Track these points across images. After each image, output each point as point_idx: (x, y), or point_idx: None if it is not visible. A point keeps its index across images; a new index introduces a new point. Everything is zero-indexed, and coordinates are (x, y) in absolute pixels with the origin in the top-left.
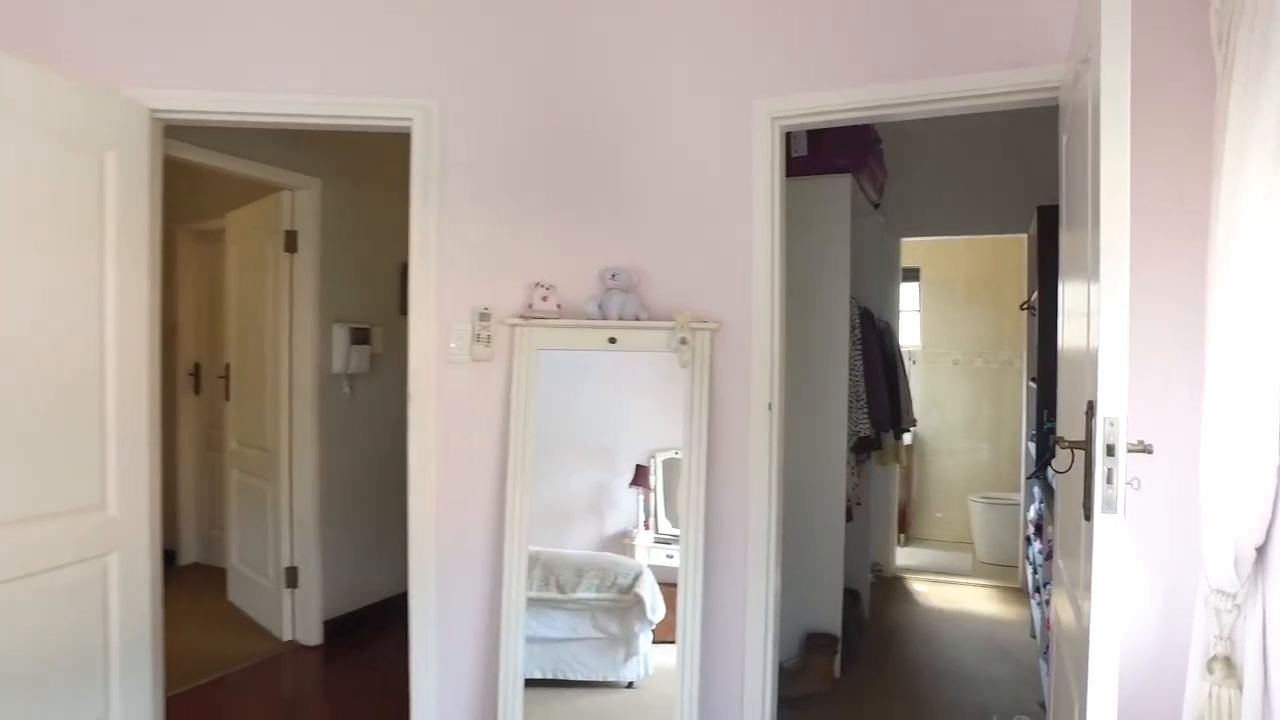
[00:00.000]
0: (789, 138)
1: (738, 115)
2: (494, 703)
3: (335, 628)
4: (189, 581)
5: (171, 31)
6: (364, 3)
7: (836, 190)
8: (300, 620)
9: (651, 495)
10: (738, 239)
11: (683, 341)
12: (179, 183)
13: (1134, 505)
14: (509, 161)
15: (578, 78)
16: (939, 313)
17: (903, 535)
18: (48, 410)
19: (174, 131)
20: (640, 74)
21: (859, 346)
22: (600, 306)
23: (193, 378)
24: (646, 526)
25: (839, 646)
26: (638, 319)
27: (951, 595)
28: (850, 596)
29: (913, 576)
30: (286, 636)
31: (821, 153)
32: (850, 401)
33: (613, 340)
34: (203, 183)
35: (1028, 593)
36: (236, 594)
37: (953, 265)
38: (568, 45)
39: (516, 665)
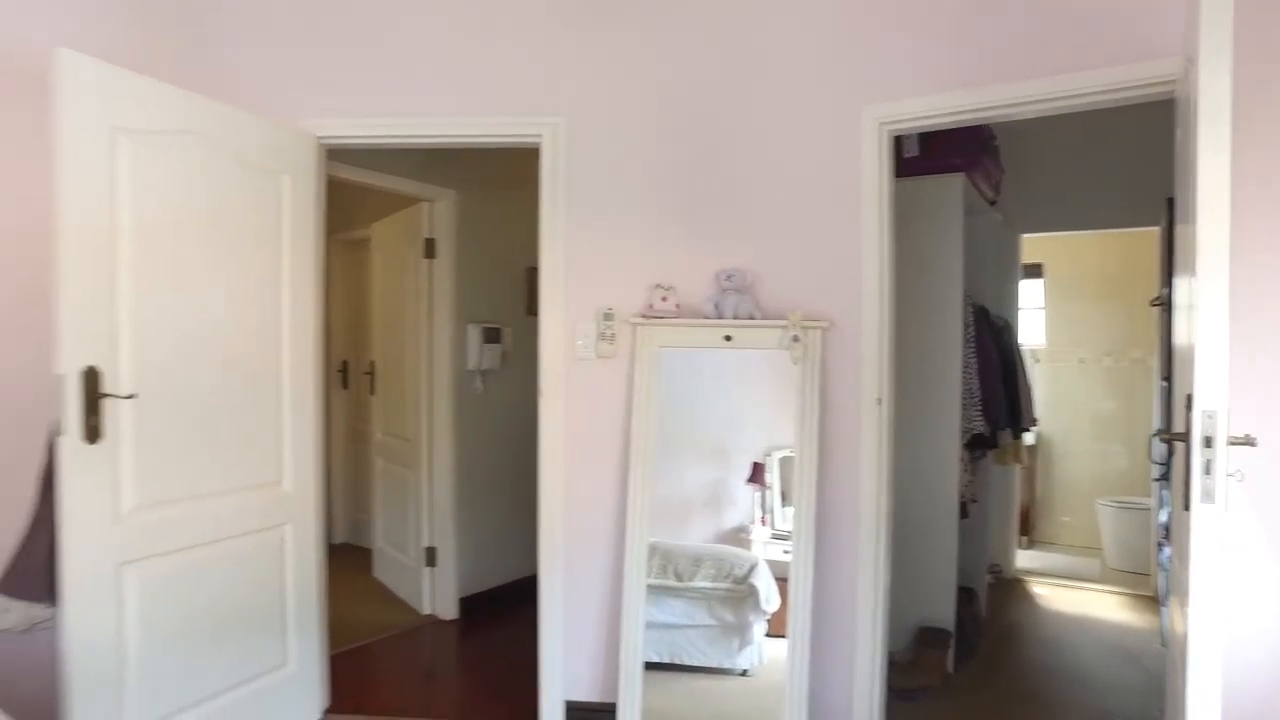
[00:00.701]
0: (899, 140)
1: (846, 121)
2: (615, 681)
3: (469, 604)
4: (339, 559)
5: (332, 70)
6: (495, 32)
7: (949, 190)
8: (438, 596)
9: (768, 492)
10: (848, 241)
11: (795, 339)
12: (331, 197)
13: (1250, 506)
14: (630, 171)
15: (692, 91)
16: (1064, 310)
17: (1025, 538)
18: (242, 398)
19: (331, 154)
20: (751, 85)
21: (972, 344)
22: (716, 306)
23: (341, 374)
24: (763, 523)
25: (951, 642)
26: (752, 318)
27: (1076, 600)
28: (965, 594)
29: (1035, 580)
30: (426, 610)
31: (934, 153)
32: (963, 399)
33: (728, 338)
34: (351, 197)
35: (1160, 600)
36: (381, 571)
37: (1079, 261)
38: (682, 62)
39: (637, 647)
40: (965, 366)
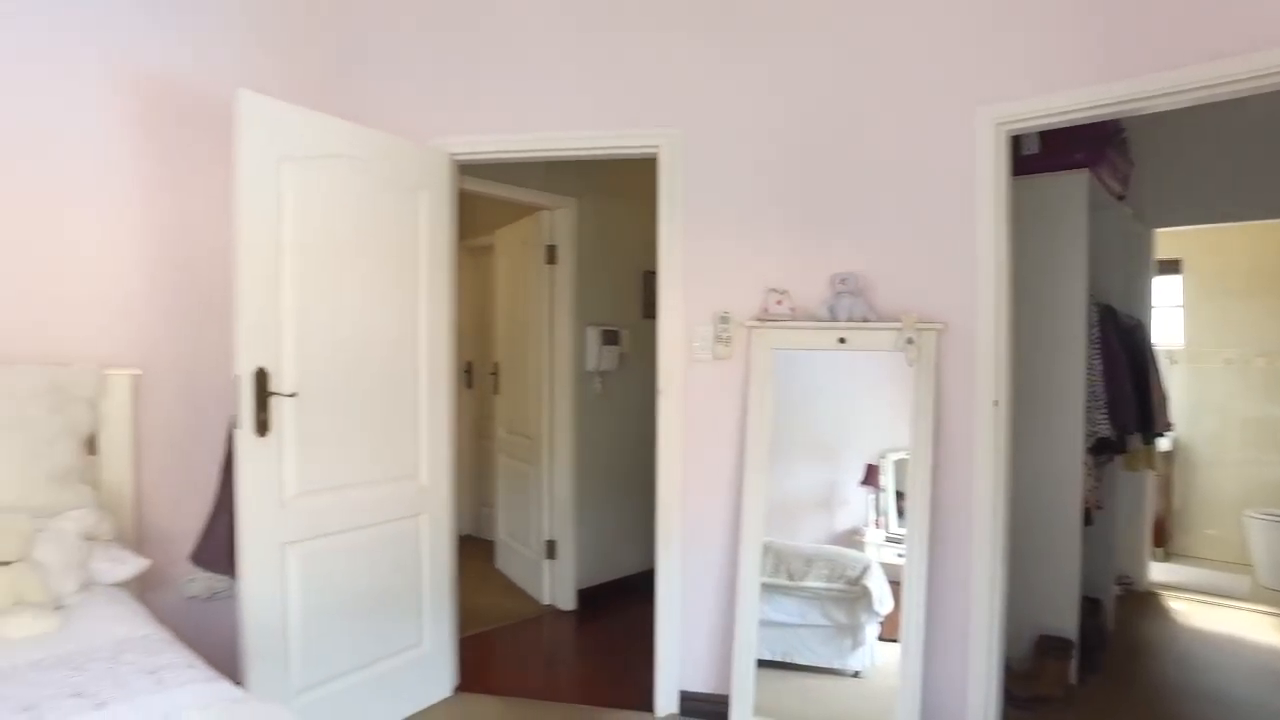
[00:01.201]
0: (1018, 138)
1: (961, 122)
2: (728, 674)
3: (587, 596)
4: (463, 550)
5: (463, 92)
6: (614, 50)
7: (1071, 186)
8: (557, 587)
9: (881, 494)
10: (963, 242)
11: (909, 342)
12: (459, 206)
13: None
14: (745, 177)
15: (804, 97)
16: (1206, 308)
17: (1161, 549)
18: (384, 397)
19: (461, 168)
20: (863, 89)
21: (1097, 345)
22: (830, 309)
23: (466, 374)
24: (877, 525)
25: (1074, 652)
26: (866, 321)
27: (1220, 618)
28: (1090, 604)
29: (1172, 594)
30: (545, 601)
31: (1055, 149)
32: (1087, 401)
33: (842, 340)
34: (477, 206)
35: None
36: (503, 562)
37: (1224, 255)
38: (794, 70)
39: (750, 644)
40: (1089, 368)
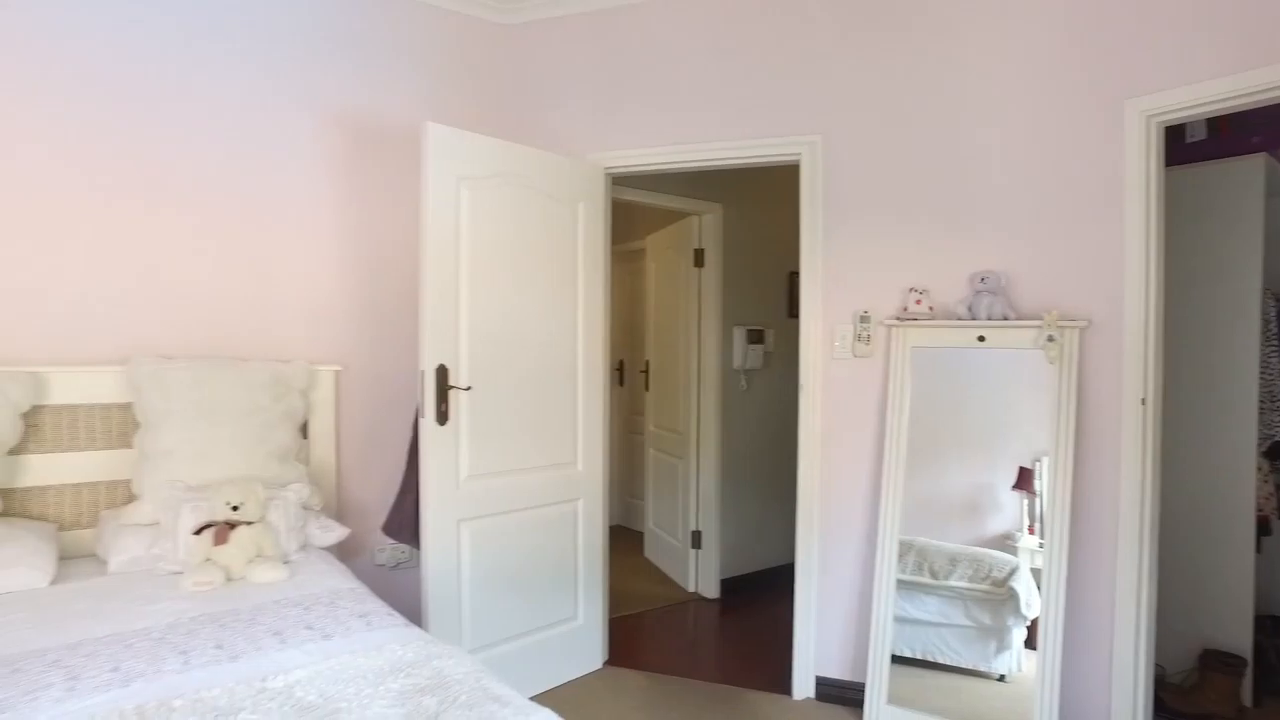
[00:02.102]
0: (1178, 126)
1: (1106, 116)
2: (864, 664)
3: (730, 585)
4: (613, 540)
5: (616, 109)
6: (756, 64)
7: (1244, 173)
8: (702, 576)
9: (1036, 499)
10: (1108, 237)
11: (1050, 339)
12: (611, 214)
13: None
14: (883, 180)
15: (941, 98)
16: None
17: None
18: (545, 392)
19: (614, 179)
20: (1002, 87)
21: (1275, 341)
22: (970, 308)
23: (618, 372)
24: (1031, 531)
25: (1247, 670)
26: (1005, 319)
27: None
28: (1270, 622)
29: None
30: (690, 588)
31: (1226, 134)
32: (1261, 402)
33: (981, 339)
34: (628, 213)
35: None
36: (651, 551)
37: None
38: (931, 71)
39: (885, 638)
40: (1264, 366)
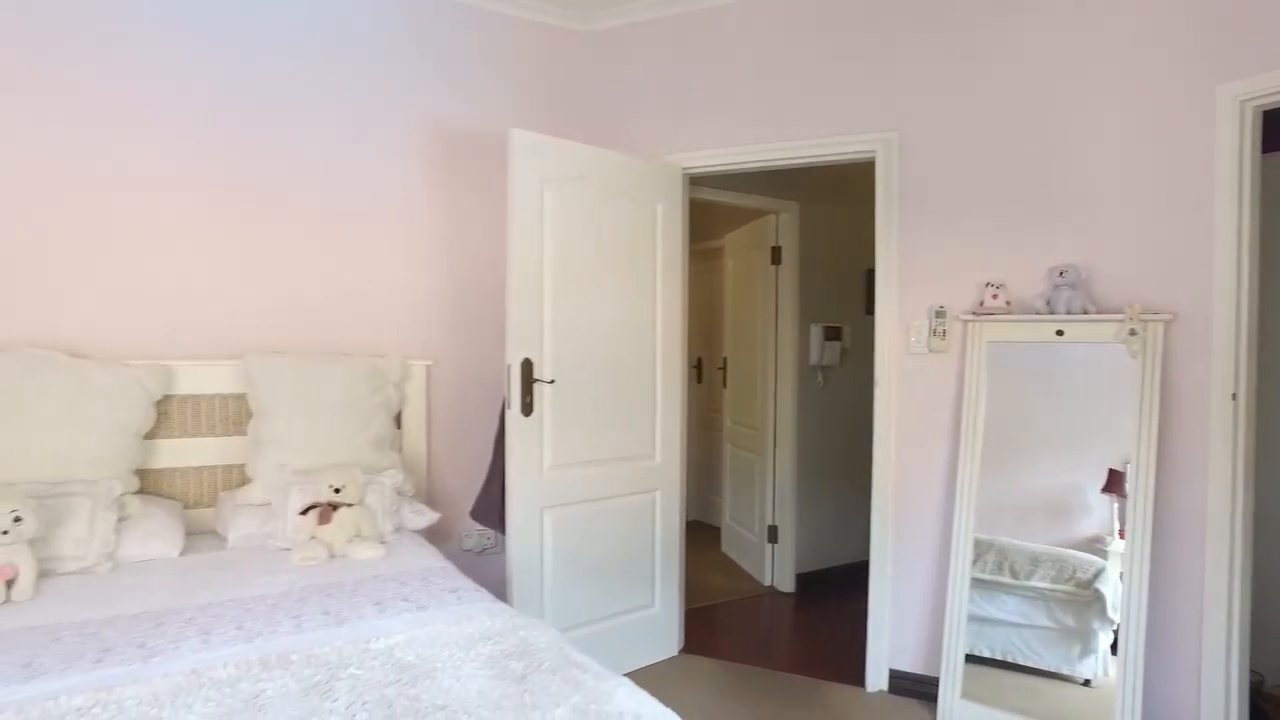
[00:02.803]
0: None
1: (1195, 103)
2: (938, 663)
3: (805, 580)
4: (691, 534)
5: (692, 111)
6: (831, 62)
7: None
8: (778, 570)
9: (1126, 502)
10: (1197, 227)
11: (1132, 333)
12: (690, 213)
13: None
14: (959, 176)
15: (1017, 91)
16: None
17: None
18: (624, 386)
19: (692, 179)
20: (1081, 76)
21: None
22: (1048, 302)
23: (695, 369)
24: (1121, 535)
25: None
26: (1085, 312)
27: None
28: None
29: None
30: (766, 582)
31: None
32: None
33: (1059, 333)
34: (707, 213)
35: None
36: (728, 546)
37: None
38: (1006, 63)
39: (959, 632)
40: None
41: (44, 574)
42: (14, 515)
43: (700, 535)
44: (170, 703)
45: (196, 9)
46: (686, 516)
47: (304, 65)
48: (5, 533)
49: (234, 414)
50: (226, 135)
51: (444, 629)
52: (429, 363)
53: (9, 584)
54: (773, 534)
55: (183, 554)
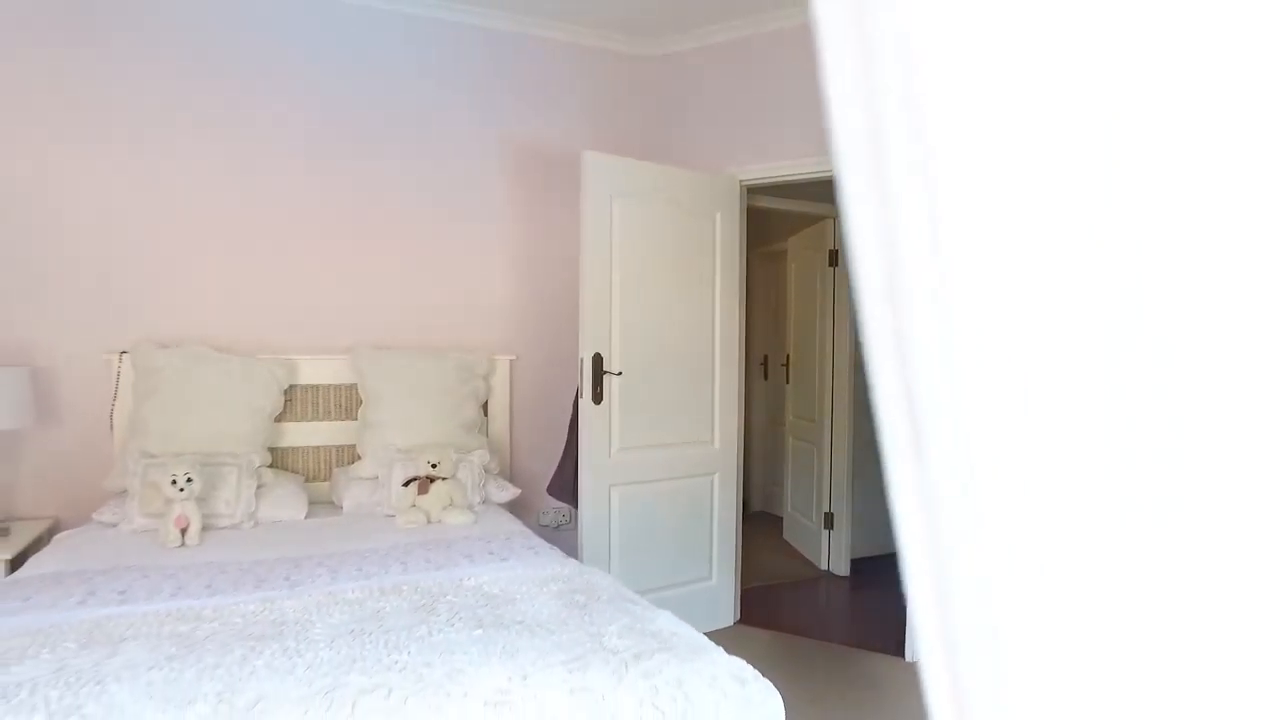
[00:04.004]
0: None
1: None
2: None
3: (859, 565)
4: (756, 524)
5: (750, 125)
6: None
7: None
8: (834, 554)
9: None
10: None
11: None
12: (753, 219)
13: None
14: None
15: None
16: None
17: None
18: (687, 379)
19: (751, 189)
20: None
21: None
22: None
23: (762, 367)
24: None
25: None
26: None
27: None
28: None
29: None
30: (823, 566)
31: None
32: None
33: None
34: (770, 218)
35: None
36: (789, 533)
37: None
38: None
39: None
40: None
41: (204, 527)
42: (187, 477)
43: (764, 524)
44: (316, 611)
45: (323, 68)
46: (752, 508)
47: (404, 103)
48: (182, 490)
49: (345, 401)
50: (341, 166)
51: (522, 572)
52: (512, 357)
53: (183, 531)
54: (829, 520)
55: (306, 517)
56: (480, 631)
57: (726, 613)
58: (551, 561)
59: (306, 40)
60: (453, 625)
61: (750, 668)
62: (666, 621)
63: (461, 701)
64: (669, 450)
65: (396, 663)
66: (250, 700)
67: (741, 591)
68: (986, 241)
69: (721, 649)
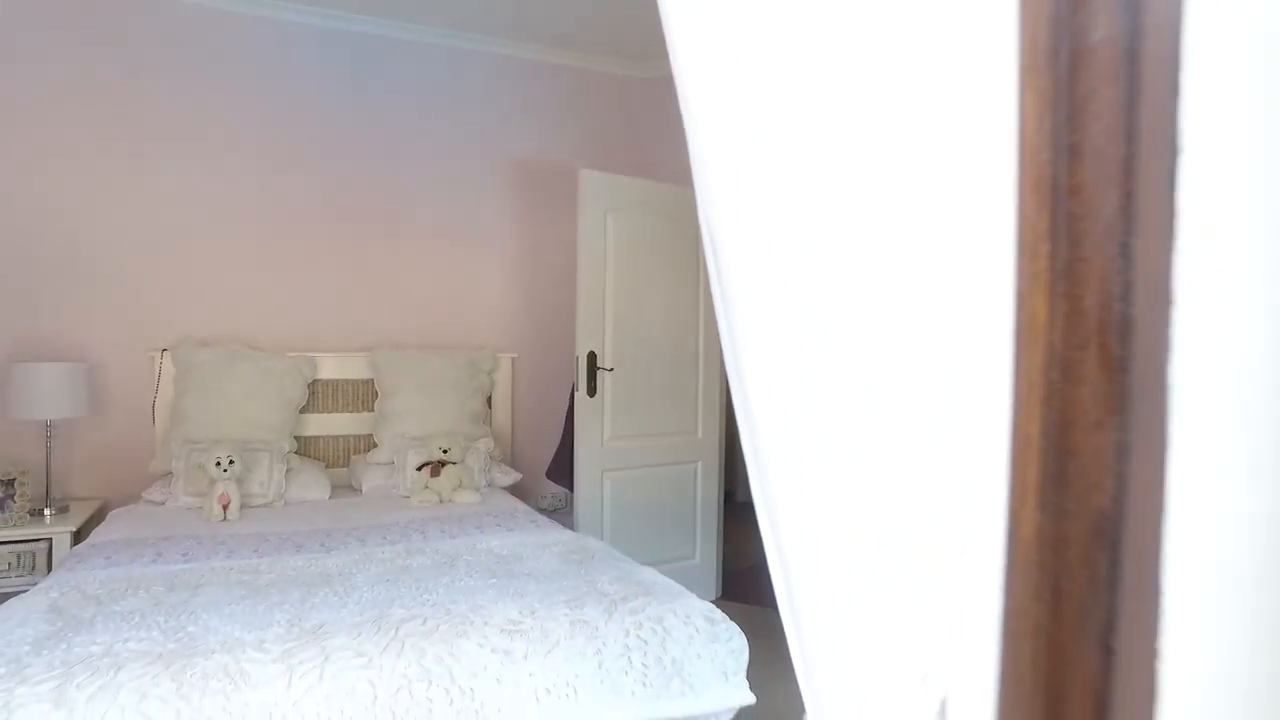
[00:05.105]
0: None
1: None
2: None
3: None
4: (744, 513)
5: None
6: None
7: None
8: None
9: None
10: None
11: None
12: None
13: None
14: None
15: None
16: None
17: None
18: (674, 374)
19: None
20: None
21: None
22: None
23: None
24: None
25: None
26: None
27: None
28: None
29: None
30: None
31: None
32: None
33: None
34: None
35: None
36: None
37: None
38: None
39: None
40: None
41: (241, 505)
42: (230, 459)
43: (750, 513)
44: (354, 567)
45: (344, 91)
46: (737, 498)
47: (418, 125)
48: (225, 471)
49: (362, 394)
50: (356, 178)
51: (527, 539)
52: (514, 355)
53: (225, 508)
54: None
55: (330, 498)
56: (495, 580)
57: (709, 589)
58: (552, 531)
59: (334, 66)
60: (471, 576)
61: (719, 610)
62: (650, 575)
63: (483, 629)
64: (657, 439)
65: (428, 600)
66: (315, 625)
67: (724, 572)
68: (741, 272)
69: (695, 595)
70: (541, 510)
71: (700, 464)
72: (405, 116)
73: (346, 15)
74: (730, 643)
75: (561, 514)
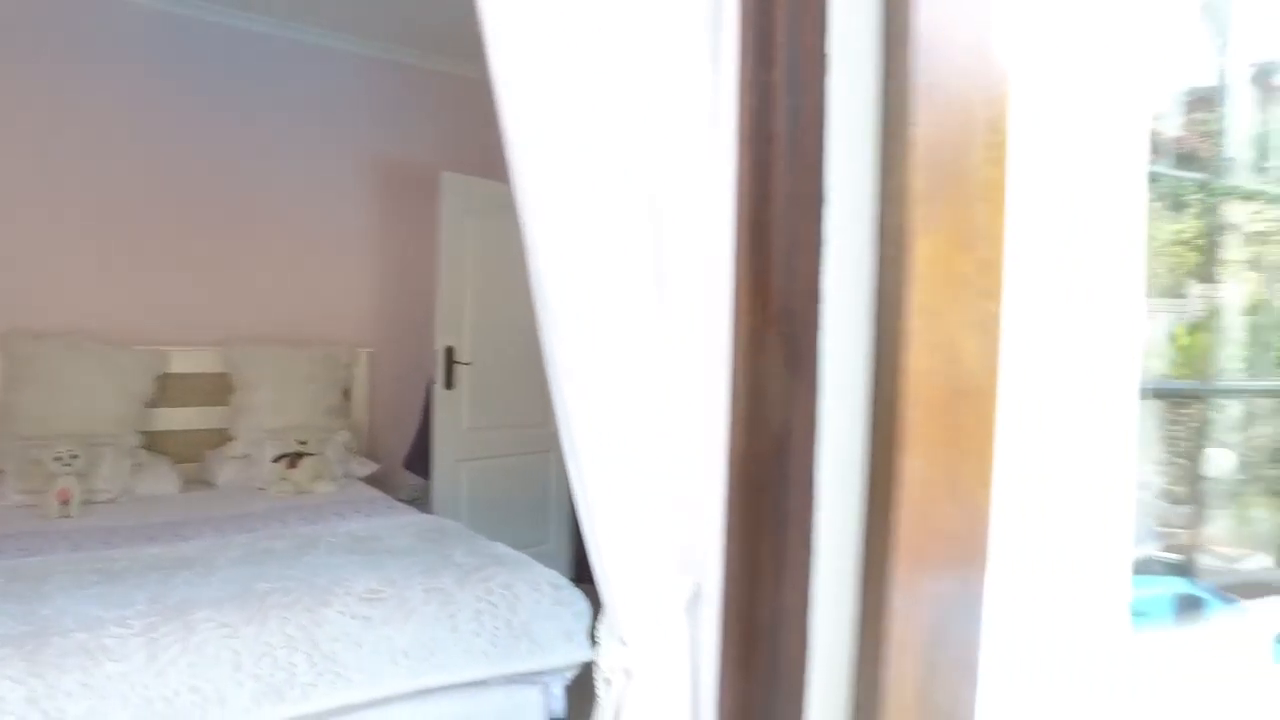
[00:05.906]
0: None
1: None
2: None
3: None
4: None
5: None
6: None
7: None
8: None
9: None
10: None
11: None
12: None
13: None
14: None
15: None
16: None
17: None
18: (524, 368)
19: None
20: None
21: None
22: None
23: None
24: None
25: None
26: None
27: None
28: None
29: None
30: None
31: None
32: None
33: None
34: None
35: None
36: None
37: None
38: None
39: None
40: None
41: (84, 501)
42: (71, 453)
43: None
44: (214, 551)
45: (181, 75)
46: None
47: (268, 114)
48: (67, 465)
49: (215, 388)
50: (206, 171)
51: (385, 522)
52: (371, 350)
53: (65, 503)
54: None
55: (180, 492)
56: (355, 556)
57: (564, 571)
58: (409, 514)
59: (183, 54)
60: (332, 554)
61: (564, 578)
62: (501, 548)
63: (344, 598)
64: (512, 431)
65: (291, 575)
66: (178, 601)
67: (576, 557)
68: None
69: (542, 565)
70: (400, 502)
71: (553, 454)
72: (260, 111)
73: (199, 2)
74: (573, 606)
75: (420, 505)
